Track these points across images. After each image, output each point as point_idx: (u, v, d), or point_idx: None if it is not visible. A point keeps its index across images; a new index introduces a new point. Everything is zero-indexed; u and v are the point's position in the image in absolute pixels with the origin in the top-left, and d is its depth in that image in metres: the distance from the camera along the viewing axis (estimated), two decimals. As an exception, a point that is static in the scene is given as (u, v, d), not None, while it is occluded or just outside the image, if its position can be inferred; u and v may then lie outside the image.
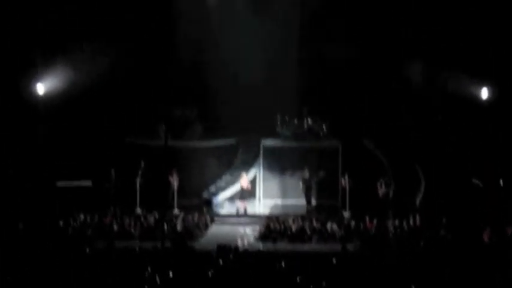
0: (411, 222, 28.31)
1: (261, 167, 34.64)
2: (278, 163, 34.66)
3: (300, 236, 28.30)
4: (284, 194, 34.47)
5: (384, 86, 35.26)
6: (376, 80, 35.43)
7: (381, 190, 30.93)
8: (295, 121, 34.82)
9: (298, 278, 20.25)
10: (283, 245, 27.73)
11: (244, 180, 32.89)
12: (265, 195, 34.67)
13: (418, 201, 32.19)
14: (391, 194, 30.89)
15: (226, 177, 34.74)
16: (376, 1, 34.80)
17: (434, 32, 33.41)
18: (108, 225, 28.75)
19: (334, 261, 22.77)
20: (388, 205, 30.55)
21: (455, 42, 32.95)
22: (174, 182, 32.18)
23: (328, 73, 36.10)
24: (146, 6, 34.91)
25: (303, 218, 30.01)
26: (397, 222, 28.44)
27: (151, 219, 29.35)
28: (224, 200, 33.94)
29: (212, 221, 31.00)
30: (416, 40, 33.87)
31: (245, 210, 32.15)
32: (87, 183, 32.25)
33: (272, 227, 28.97)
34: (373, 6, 34.92)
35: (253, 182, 34.04)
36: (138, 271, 20.89)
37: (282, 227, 28.90)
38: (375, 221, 28.48)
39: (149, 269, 20.75)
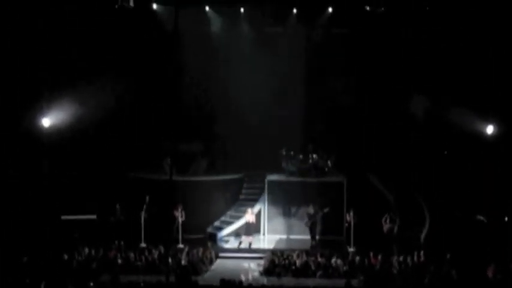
0: (416, 257, 28.20)
1: (266, 202, 34.63)
2: (283, 198, 34.62)
3: (304, 271, 28.19)
4: (289, 229, 34.40)
5: (389, 121, 35.41)
6: (381, 116, 35.61)
7: (386, 226, 30.89)
8: (300, 156, 34.90)
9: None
10: (287, 280, 27.58)
11: (249, 215, 32.87)
12: (270, 230, 34.64)
13: (422, 237, 32.08)
14: (395, 229, 30.81)
15: (231, 212, 34.77)
16: (381, 36, 35.01)
17: (440, 67, 33.54)
18: (112, 259, 28.73)
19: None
20: (393, 241, 30.49)
21: (461, 77, 33.02)
22: (179, 216, 32.20)
23: (333, 108, 36.37)
24: (152, 41, 35.24)
25: (307, 253, 29.87)
26: (401, 257, 28.36)
27: (155, 254, 29.29)
28: (229, 235, 33.90)
29: (217, 255, 30.87)
30: (422, 75, 34.00)
31: (250, 245, 32.10)
32: (92, 217, 32.35)
33: (277, 262, 28.88)
34: (378, 42, 35.19)
35: (258, 217, 34.02)
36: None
37: (287, 261, 28.80)
38: (379, 257, 28.38)
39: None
